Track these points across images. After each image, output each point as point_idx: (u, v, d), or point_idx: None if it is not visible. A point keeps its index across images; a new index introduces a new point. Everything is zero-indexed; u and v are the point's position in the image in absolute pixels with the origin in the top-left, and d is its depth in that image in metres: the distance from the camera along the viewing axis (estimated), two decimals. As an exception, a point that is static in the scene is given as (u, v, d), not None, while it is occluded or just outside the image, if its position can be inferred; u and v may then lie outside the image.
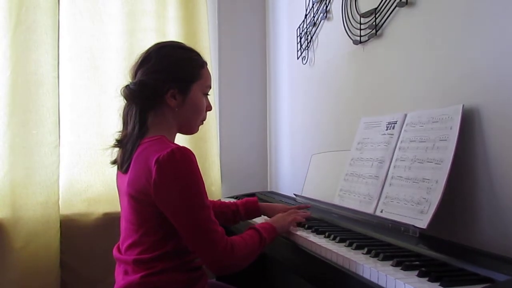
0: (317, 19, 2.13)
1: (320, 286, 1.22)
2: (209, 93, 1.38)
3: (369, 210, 1.41)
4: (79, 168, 2.30)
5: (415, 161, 1.30)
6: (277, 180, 2.70)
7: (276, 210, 1.56)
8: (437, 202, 1.15)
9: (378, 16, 1.64)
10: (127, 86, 1.29)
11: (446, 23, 1.34)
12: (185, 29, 2.51)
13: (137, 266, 1.21)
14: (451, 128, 1.21)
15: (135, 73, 1.31)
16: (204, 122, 1.40)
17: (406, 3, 1.50)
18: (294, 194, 2.01)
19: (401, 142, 1.39)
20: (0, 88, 2.10)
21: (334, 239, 1.25)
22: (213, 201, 1.62)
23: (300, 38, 2.31)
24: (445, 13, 1.34)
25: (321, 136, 2.14)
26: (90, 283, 2.26)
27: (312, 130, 2.24)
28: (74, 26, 2.33)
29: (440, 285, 0.85)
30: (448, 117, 1.24)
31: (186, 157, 1.16)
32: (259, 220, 1.59)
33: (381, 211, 1.36)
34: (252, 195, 2.33)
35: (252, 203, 1.59)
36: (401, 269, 0.95)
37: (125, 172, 1.26)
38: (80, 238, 2.27)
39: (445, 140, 1.21)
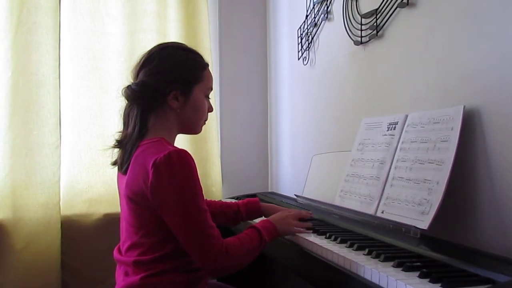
0: (318, 19, 2.13)
1: (321, 287, 1.22)
2: (210, 95, 1.39)
3: (370, 211, 1.40)
4: (80, 168, 2.31)
5: (416, 162, 1.30)
6: (278, 180, 2.70)
7: (278, 210, 1.56)
8: (438, 203, 1.15)
9: (379, 16, 1.64)
10: (128, 87, 1.28)
11: (447, 24, 1.34)
12: (186, 30, 2.51)
13: (137, 268, 1.21)
14: (452, 129, 1.21)
15: (137, 74, 1.31)
16: (206, 122, 1.40)
17: (407, 3, 1.50)
18: (295, 195, 2.01)
19: (402, 142, 1.39)
20: (1, 89, 2.10)
21: (335, 240, 1.24)
22: (214, 201, 1.61)
23: (301, 39, 2.31)
24: (446, 13, 1.34)
25: (322, 136, 2.14)
26: (91, 284, 2.26)
27: (313, 130, 2.23)
28: (75, 27, 2.33)
29: (441, 286, 0.85)
30: (449, 117, 1.23)
31: (183, 159, 1.16)
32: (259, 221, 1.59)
33: (382, 212, 1.36)
34: (253, 195, 2.33)
35: (253, 204, 1.58)
36: (402, 270, 0.95)
37: (125, 173, 1.26)
38: (81, 238, 2.27)
39: (446, 141, 1.21)
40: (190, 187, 1.16)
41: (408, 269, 0.95)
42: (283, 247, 1.39)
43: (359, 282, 0.98)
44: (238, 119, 2.78)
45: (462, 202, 1.22)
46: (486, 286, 0.86)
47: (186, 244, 1.18)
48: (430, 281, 0.88)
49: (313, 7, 2.18)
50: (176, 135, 1.36)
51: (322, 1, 2.09)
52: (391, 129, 1.47)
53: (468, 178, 1.20)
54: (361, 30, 1.75)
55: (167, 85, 1.27)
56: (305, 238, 1.30)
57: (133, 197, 1.20)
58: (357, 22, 1.79)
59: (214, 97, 2.59)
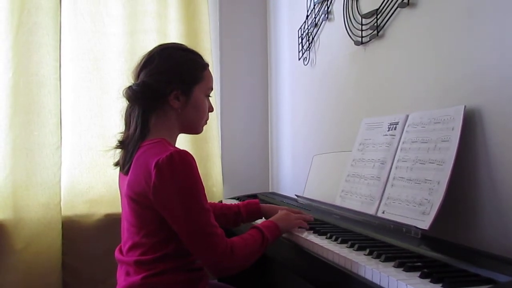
0: (319, 20, 2.13)
1: (321, 287, 1.22)
2: (210, 95, 1.39)
3: (371, 211, 1.40)
4: (81, 169, 2.30)
5: (416, 162, 1.30)
6: (278, 181, 2.70)
7: (278, 211, 1.56)
8: (439, 203, 1.15)
9: (380, 17, 1.64)
10: (129, 87, 1.29)
11: (447, 24, 1.34)
12: (186, 30, 2.51)
13: (139, 267, 1.21)
14: (453, 129, 1.21)
15: (137, 75, 1.31)
16: (207, 122, 1.41)
17: (408, 4, 1.50)
18: (296, 195, 2.01)
19: (403, 143, 1.39)
20: (2, 90, 2.10)
21: (335, 240, 1.24)
22: (214, 203, 1.62)
23: (302, 39, 2.31)
24: (447, 13, 1.34)
25: (323, 137, 2.14)
26: (91, 284, 2.26)
27: (313, 131, 2.23)
28: (76, 28, 2.33)
29: (442, 286, 0.85)
30: (450, 117, 1.23)
31: (185, 160, 1.16)
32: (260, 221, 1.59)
33: (383, 212, 1.35)
34: (254, 196, 2.33)
35: (253, 205, 1.58)
36: (403, 270, 0.95)
37: (126, 173, 1.26)
38: (82, 239, 2.27)
39: (447, 141, 1.21)
40: (193, 187, 1.17)
41: (409, 269, 0.95)
42: (283, 247, 1.39)
43: (360, 282, 0.98)
44: (239, 119, 2.78)
45: (463, 202, 1.22)
46: (487, 286, 0.86)
47: (190, 244, 1.18)
48: (431, 281, 0.87)
49: (314, 7, 2.18)
50: (177, 135, 1.36)
51: (322, 1, 2.09)
52: (391, 129, 1.47)
53: (469, 178, 1.20)
54: (362, 30, 1.75)
55: (167, 85, 1.28)
56: (305, 238, 1.30)
57: (135, 197, 1.21)
58: (357, 22, 1.79)
59: (214, 97, 2.59)
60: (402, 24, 1.55)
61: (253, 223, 1.61)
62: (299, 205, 1.85)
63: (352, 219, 1.48)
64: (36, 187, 2.13)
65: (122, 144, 1.31)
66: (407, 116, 1.42)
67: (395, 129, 1.45)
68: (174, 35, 2.50)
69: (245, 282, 1.85)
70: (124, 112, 1.33)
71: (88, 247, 2.27)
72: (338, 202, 1.61)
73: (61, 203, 2.22)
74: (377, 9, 1.64)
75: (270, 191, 2.74)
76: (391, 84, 1.61)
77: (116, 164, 1.35)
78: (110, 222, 2.27)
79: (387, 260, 1.02)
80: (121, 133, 1.33)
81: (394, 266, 0.98)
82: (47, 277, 2.15)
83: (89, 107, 2.33)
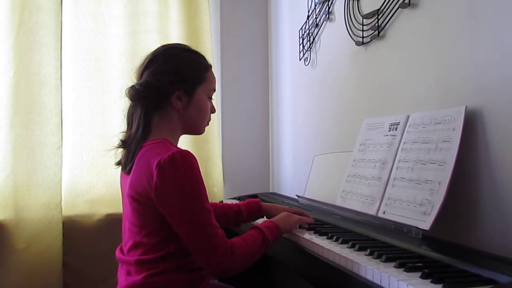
0: (319, 20, 2.13)
1: (322, 287, 1.22)
2: (212, 97, 1.39)
3: (372, 211, 1.40)
4: (82, 169, 2.31)
5: (417, 162, 1.30)
6: (279, 181, 2.70)
7: (279, 210, 1.56)
8: (440, 204, 1.15)
9: (381, 17, 1.64)
10: (132, 87, 1.29)
11: (448, 24, 1.34)
12: (187, 31, 2.51)
13: (140, 267, 1.22)
14: (453, 130, 1.21)
15: (141, 74, 1.32)
16: (209, 123, 1.41)
17: (409, 4, 1.50)
18: (297, 195, 2.01)
19: (404, 143, 1.39)
20: (3, 89, 2.11)
21: (336, 240, 1.24)
22: (215, 203, 1.62)
23: (302, 39, 2.31)
24: (448, 14, 1.34)
25: (323, 137, 2.14)
26: (92, 284, 2.26)
27: (314, 131, 2.23)
28: (77, 28, 2.33)
29: (443, 286, 0.85)
30: (451, 118, 1.23)
31: (187, 160, 1.17)
32: (261, 221, 1.59)
33: (384, 213, 1.35)
34: (254, 196, 2.33)
35: (254, 204, 1.58)
36: (404, 270, 0.95)
37: (128, 173, 1.26)
38: (83, 239, 2.28)
39: (448, 141, 1.21)
40: (194, 188, 1.17)
41: (409, 269, 0.95)
42: (284, 247, 1.39)
43: (361, 282, 0.98)
44: (240, 119, 2.78)
45: (464, 202, 1.22)
46: (488, 286, 0.86)
47: (191, 244, 1.19)
48: (431, 282, 0.87)
49: (315, 8, 2.18)
50: (179, 135, 1.36)
51: (323, 2, 2.09)
52: (392, 130, 1.47)
53: (470, 179, 1.20)
54: (363, 30, 1.75)
55: (170, 85, 1.28)
56: (306, 239, 1.30)
57: (137, 197, 1.21)
58: (358, 23, 1.79)
59: (215, 98, 2.57)
60: (403, 25, 1.55)
61: (254, 222, 1.61)
62: (299, 206, 1.85)
63: (352, 219, 1.48)
64: (37, 187, 2.13)
65: (124, 144, 1.31)
66: (408, 116, 1.42)
67: (396, 129, 1.45)
68: (175, 36, 2.50)
69: (245, 282, 1.85)
70: (127, 112, 1.33)
71: (89, 247, 2.27)
72: (339, 202, 1.61)
73: (62, 203, 2.23)
74: (378, 10, 1.65)
75: (270, 191, 2.74)
76: (392, 85, 1.61)
77: (118, 164, 1.35)
78: (111, 222, 2.27)
79: (388, 260, 1.02)
80: (123, 132, 1.33)
81: (395, 267, 0.98)
82: (48, 277, 2.15)
83: (90, 107, 2.34)
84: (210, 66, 1.38)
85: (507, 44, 1.13)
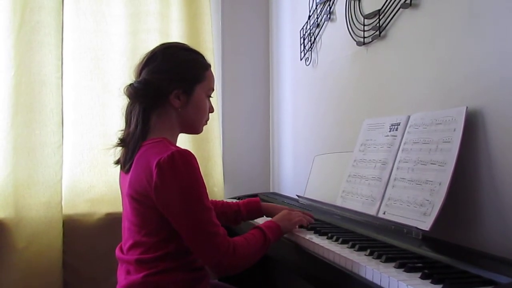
0: (321, 20, 2.13)
1: (322, 287, 1.22)
2: (212, 96, 1.39)
3: (372, 211, 1.40)
4: (82, 168, 2.31)
5: (418, 163, 1.30)
6: (279, 181, 2.70)
7: (279, 210, 1.56)
8: (440, 204, 1.15)
9: (382, 17, 1.64)
10: (131, 85, 1.29)
11: (449, 25, 1.34)
12: (188, 30, 2.51)
13: (139, 266, 1.22)
14: (454, 130, 1.21)
15: (139, 72, 1.32)
16: (207, 122, 1.41)
17: (410, 4, 1.49)
18: (297, 195, 2.01)
19: (404, 143, 1.39)
20: (3, 88, 2.11)
21: (336, 240, 1.24)
22: (214, 201, 1.61)
23: (304, 39, 2.31)
24: (449, 14, 1.34)
25: (324, 137, 2.13)
26: (92, 283, 2.26)
27: (315, 131, 2.23)
28: (78, 27, 2.33)
29: (443, 287, 0.85)
30: (452, 119, 1.23)
31: (186, 159, 1.17)
32: (261, 221, 1.59)
33: (384, 213, 1.35)
34: (255, 196, 2.33)
35: (254, 203, 1.58)
36: (404, 271, 0.95)
37: (127, 171, 1.26)
38: (83, 238, 2.28)
39: (449, 142, 1.21)
40: (194, 186, 1.17)
41: (409, 270, 0.95)
42: (284, 247, 1.39)
43: (361, 282, 0.98)
44: (240, 119, 2.78)
45: (464, 203, 1.22)
46: (488, 287, 0.86)
47: (191, 243, 1.18)
48: (431, 282, 0.87)
49: (316, 8, 2.18)
50: (178, 134, 1.36)
51: (324, 2, 2.09)
52: (393, 130, 1.47)
53: (470, 180, 1.20)
54: (364, 30, 1.75)
55: (169, 83, 1.28)
56: (306, 239, 1.30)
57: (136, 196, 1.21)
58: (359, 23, 1.79)
59: (216, 97, 2.59)
60: (404, 25, 1.55)
61: (254, 222, 1.61)
62: (300, 206, 1.85)
63: (353, 219, 1.48)
64: (37, 186, 2.13)
65: (123, 142, 1.31)
66: (409, 117, 1.42)
67: (396, 130, 1.45)
68: (176, 35, 2.50)
69: (246, 282, 1.85)
70: (125, 110, 1.33)
71: (89, 246, 2.27)
72: (339, 202, 1.61)
73: (62, 202, 2.23)
74: (379, 10, 1.64)
75: (271, 191, 2.74)
76: (393, 85, 1.61)
77: (117, 163, 1.35)
78: (111, 221, 2.27)
79: (388, 260, 1.02)
80: (122, 131, 1.33)
81: (395, 267, 0.98)
82: (48, 276, 2.15)
83: (91, 106, 2.34)
84: (209, 65, 1.38)
85: (509, 45, 1.13)
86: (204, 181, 1.22)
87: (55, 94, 2.21)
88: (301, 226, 1.43)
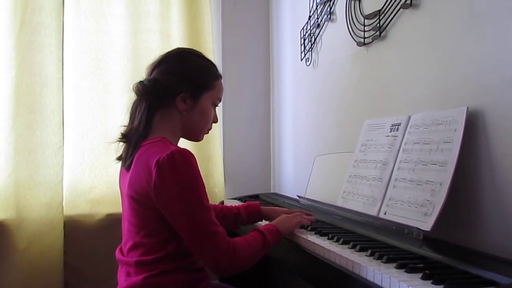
0: (321, 20, 2.13)
1: (323, 288, 1.22)
2: (218, 105, 1.40)
3: (373, 212, 1.40)
4: (83, 169, 2.31)
5: (419, 163, 1.30)
6: (280, 181, 2.70)
7: (279, 213, 1.55)
8: (441, 205, 1.15)
9: (382, 17, 1.64)
10: (140, 82, 1.31)
11: (450, 25, 1.34)
12: (189, 30, 2.51)
13: (139, 268, 1.21)
14: (455, 130, 1.21)
15: (151, 72, 1.34)
16: (209, 131, 1.41)
17: (410, 4, 1.49)
18: (298, 196, 2.00)
19: (405, 144, 1.39)
20: (4, 89, 2.11)
21: (337, 241, 1.24)
22: (214, 204, 1.62)
23: (304, 40, 2.31)
24: (449, 14, 1.34)
25: (325, 137, 2.13)
26: (93, 284, 2.26)
27: (315, 131, 2.23)
28: (79, 27, 2.34)
29: (443, 287, 0.85)
30: (452, 119, 1.23)
31: (186, 159, 1.17)
32: (261, 224, 1.59)
33: (385, 213, 1.35)
34: (255, 196, 2.33)
35: (254, 207, 1.59)
36: (405, 271, 0.95)
37: (128, 168, 1.26)
38: (84, 239, 2.28)
39: (449, 142, 1.21)
40: (194, 186, 1.17)
41: (410, 270, 0.95)
42: (285, 247, 1.39)
43: (362, 283, 0.98)
44: (241, 119, 2.78)
45: (465, 203, 1.21)
46: (489, 288, 0.86)
47: (191, 243, 1.18)
48: (432, 283, 0.87)
49: (316, 8, 2.18)
50: (179, 138, 1.37)
51: (325, 2, 2.09)
52: (394, 130, 1.47)
53: (471, 180, 1.20)
54: (364, 31, 1.75)
55: (177, 85, 1.29)
56: (307, 239, 1.30)
57: (136, 196, 1.21)
58: (360, 23, 1.79)
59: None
60: (404, 25, 1.55)
61: (253, 225, 1.61)
62: (300, 206, 1.85)
63: (354, 220, 1.48)
64: (38, 187, 2.14)
65: (125, 137, 1.31)
66: (409, 117, 1.42)
67: (397, 130, 1.45)
68: (176, 35, 2.50)
69: (246, 283, 1.85)
70: (131, 106, 1.34)
71: (90, 247, 2.27)
72: (340, 203, 1.61)
73: (63, 202, 2.23)
74: (380, 10, 1.64)
75: (272, 191, 2.74)
76: (394, 85, 1.61)
77: (119, 158, 1.35)
78: (112, 222, 2.27)
79: (388, 261, 1.02)
80: (125, 126, 1.33)
81: (395, 267, 0.98)
82: (49, 277, 2.15)
83: (92, 107, 2.34)
84: (220, 76, 1.40)
85: (509, 44, 1.13)
86: (205, 181, 1.22)
87: (56, 95, 2.21)
88: (301, 226, 1.43)
